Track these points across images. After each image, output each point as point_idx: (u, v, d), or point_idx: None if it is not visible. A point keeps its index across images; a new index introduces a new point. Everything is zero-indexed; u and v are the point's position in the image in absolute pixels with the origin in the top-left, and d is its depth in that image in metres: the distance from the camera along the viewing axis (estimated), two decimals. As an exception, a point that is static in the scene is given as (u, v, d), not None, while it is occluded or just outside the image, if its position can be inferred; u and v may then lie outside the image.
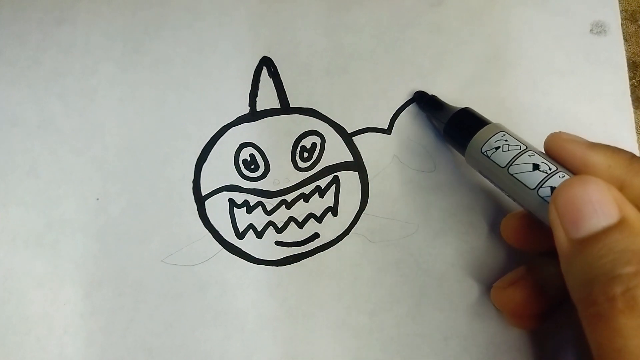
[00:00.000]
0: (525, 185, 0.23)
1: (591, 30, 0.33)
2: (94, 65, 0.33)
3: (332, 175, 0.32)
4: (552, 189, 0.22)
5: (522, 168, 0.24)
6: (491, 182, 0.26)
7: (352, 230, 0.31)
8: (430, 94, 0.31)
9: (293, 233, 0.31)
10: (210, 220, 0.32)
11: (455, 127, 0.29)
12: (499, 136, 0.26)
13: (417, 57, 0.33)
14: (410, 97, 0.32)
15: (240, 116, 0.32)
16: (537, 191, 0.23)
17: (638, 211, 0.20)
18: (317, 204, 0.32)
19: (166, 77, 0.33)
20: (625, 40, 0.33)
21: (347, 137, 0.32)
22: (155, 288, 0.31)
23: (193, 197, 0.32)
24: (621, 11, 0.33)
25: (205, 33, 0.33)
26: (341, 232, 0.31)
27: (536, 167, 0.23)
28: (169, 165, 0.32)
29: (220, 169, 0.32)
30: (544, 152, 0.25)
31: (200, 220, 0.32)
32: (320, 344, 0.30)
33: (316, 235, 0.31)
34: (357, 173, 0.32)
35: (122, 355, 0.30)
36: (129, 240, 0.31)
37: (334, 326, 0.30)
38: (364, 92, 0.32)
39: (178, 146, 0.32)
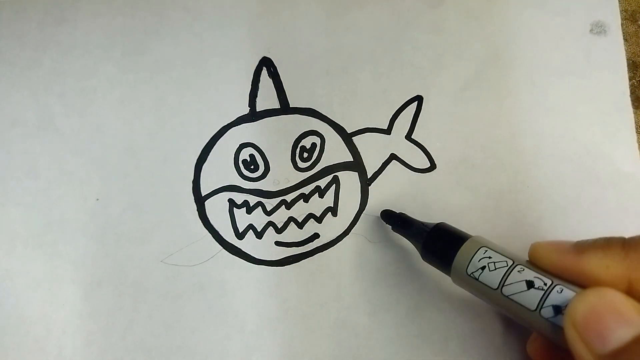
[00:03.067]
0: (524, 307, 0.22)
1: (591, 31, 0.33)
2: (94, 65, 0.33)
3: (332, 175, 0.32)
4: (555, 307, 0.21)
5: (516, 288, 0.22)
6: (485, 302, 0.24)
7: (352, 230, 0.31)
8: (397, 212, 0.30)
9: (293, 233, 0.31)
10: (210, 221, 0.31)
11: (433, 250, 0.26)
12: (481, 253, 0.24)
13: (417, 57, 0.33)
14: (410, 98, 0.32)
15: (240, 116, 0.32)
16: (539, 312, 0.21)
17: None
18: (316, 204, 0.32)
19: (166, 77, 0.33)
20: (625, 40, 0.33)
21: (347, 137, 0.32)
22: (155, 288, 0.31)
23: (193, 197, 0.32)
24: (621, 11, 0.33)
25: (205, 33, 0.33)
26: (341, 232, 0.31)
27: (530, 284, 0.22)
28: (169, 165, 0.32)
29: (220, 169, 0.32)
30: (528, 261, 0.24)
31: (200, 221, 0.31)
32: (320, 344, 0.30)
33: (316, 236, 0.31)
34: (356, 173, 0.32)
35: (122, 356, 0.30)
36: (128, 241, 0.31)
37: (334, 326, 0.30)
38: (364, 92, 0.32)
39: (178, 146, 0.32)
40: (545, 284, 0.22)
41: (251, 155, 0.32)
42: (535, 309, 0.21)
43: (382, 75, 0.33)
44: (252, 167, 0.32)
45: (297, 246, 0.31)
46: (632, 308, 0.19)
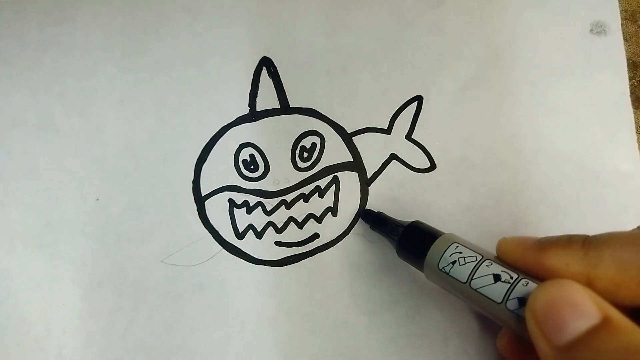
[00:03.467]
0: (491, 299, 0.22)
1: (591, 30, 0.33)
2: (94, 65, 0.33)
3: (332, 175, 0.32)
4: (519, 299, 0.21)
5: (484, 281, 0.23)
6: (456, 296, 0.25)
7: (352, 230, 0.31)
8: (377, 211, 0.31)
9: (293, 233, 0.31)
10: (210, 221, 0.31)
11: (407, 246, 0.27)
12: (452, 249, 0.25)
13: (417, 57, 0.33)
14: (410, 98, 0.32)
15: (240, 116, 0.32)
16: (505, 304, 0.22)
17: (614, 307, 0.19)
18: (316, 204, 0.32)
19: (166, 77, 0.33)
20: (625, 40, 0.33)
21: (347, 137, 0.32)
22: (155, 288, 0.31)
23: (193, 197, 0.32)
24: (621, 11, 0.33)
25: (205, 33, 0.33)
26: (341, 232, 0.31)
27: (497, 278, 0.23)
28: (169, 165, 0.32)
29: (220, 169, 0.32)
30: (497, 257, 0.24)
31: (200, 221, 0.31)
32: (320, 344, 0.30)
33: (316, 236, 0.31)
34: (356, 173, 0.32)
35: (122, 356, 0.30)
36: (128, 240, 0.31)
37: (334, 326, 0.30)
38: (364, 92, 0.32)
39: (178, 146, 0.32)
40: (512, 278, 0.22)
41: (251, 155, 0.32)
42: (501, 302, 0.22)
43: (382, 75, 0.33)
44: (252, 167, 0.32)
45: (297, 246, 0.31)
46: (589, 299, 0.19)
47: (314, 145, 0.32)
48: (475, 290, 0.23)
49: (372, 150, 0.32)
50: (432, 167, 0.32)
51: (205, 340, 0.30)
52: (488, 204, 0.31)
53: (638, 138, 0.32)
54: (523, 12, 0.33)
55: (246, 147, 0.32)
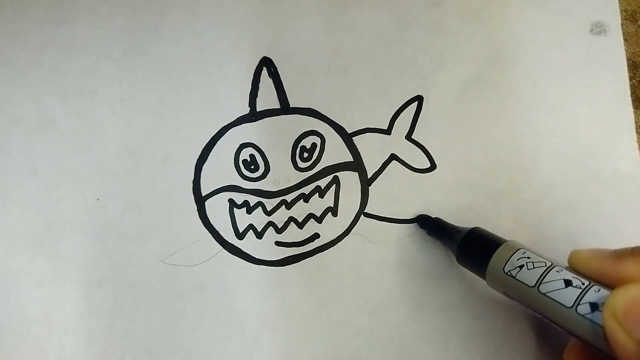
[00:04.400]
0: (560, 303, 0.22)
1: (591, 30, 0.33)
2: (94, 65, 0.33)
3: (332, 175, 0.32)
4: (592, 304, 0.21)
5: (554, 285, 0.23)
6: (519, 302, 0.25)
7: (352, 230, 0.31)
8: (433, 217, 0.31)
9: (293, 233, 0.31)
10: (210, 221, 0.31)
11: (468, 251, 0.27)
12: (519, 254, 0.25)
13: (417, 57, 0.33)
14: (410, 98, 0.32)
15: (240, 116, 0.32)
16: (576, 309, 0.22)
17: None
18: (317, 204, 0.32)
19: (166, 77, 0.33)
20: (625, 40, 0.33)
21: (347, 137, 0.32)
22: (155, 288, 0.31)
23: (193, 198, 0.32)
24: (621, 11, 0.33)
25: (205, 33, 0.33)
26: (341, 233, 0.31)
27: (568, 283, 0.22)
28: (169, 165, 0.32)
29: (220, 169, 0.32)
30: (568, 266, 0.24)
31: (200, 221, 0.31)
32: (320, 344, 0.30)
33: (316, 236, 0.31)
34: (357, 173, 0.32)
35: (122, 355, 0.30)
36: (129, 240, 0.31)
37: (334, 326, 0.30)
38: (364, 92, 0.32)
39: (178, 146, 0.32)
40: (583, 284, 0.22)
41: (251, 155, 0.32)
42: (572, 306, 0.22)
43: (382, 75, 0.33)
44: (252, 167, 0.32)
45: (297, 246, 0.31)
46: None
47: (314, 145, 0.32)
48: (543, 294, 0.23)
49: (372, 150, 0.32)
50: (432, 167, 0.32)
51: (205, 340, 0.30)
52: (488, 204, 0.31)
53: (638, 138, 0.32)
54: (524, 12, 0.33)
55: (246, 147, 0.32)
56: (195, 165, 0.32)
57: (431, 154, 0.32)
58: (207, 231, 0.31)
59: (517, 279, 0.24)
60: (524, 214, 0.31)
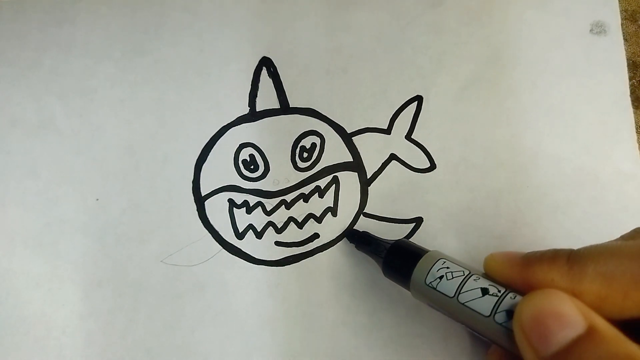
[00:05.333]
0: (479, 312, 0.22)
1: (591, 30, 0.33)
2: (94, 65, 0.33)
3: (332, 175, 0.32)
4: (508, 312, 0.21)
5: (471, 295, 0.23)
6: (443, 313, 0.25)
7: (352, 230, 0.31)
8: (361, 231, 0.30)
9: (293, 233, 0.31)
10: (210, 221, 0.31)
11: (392, 265, 0.27)
12: (439, 264, 0.25)
13: (417, 57, 0.33)
14: (410, 97, 0.32)
15: (240, 116, 0.32)
16: (494, 317, 0.22)
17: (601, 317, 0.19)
18: (316, 204, 0.32)
19: (166, 77, 0.33)
20: (625, 40, 0.33)
21: (347, 137, 0.32)
22: (155, 288, 0.31)
23: (193, 198, 0.32)
24: (621, 11, 0.33)
25: (205, 33, 0.33)
26: (341, 232, 0.31)
27: (485, 291, 0.22)
28: (169, 165, 0.32)
29: (220, 169, 0.32)
30: (484, 273, 0.24)
31: (200, 221, 0.31)
32: (320, 344, 0.30)
33: (316, 236, 0.31)
34: (356, 173, 0.32)
35: (122, 356, 0.30)
36: (128, 240, 0.31)
37: (333, 326, 0.30)
38: (363, 92, 0.32)
39: (178, 146, 0.32)
40: (499, 291, 0.22)
41: (251, 155, 0.32)
42: (490, 315, 0.22)
43: (382, 75, 0.33)
44: (252, 167, 0.32)
45: (297, 246, 0.31)
46: (575, 309, 0.19)
47: (314, 145, 0.32)
48: (462, 304, 0.23)
49: (372, 150, 0.32)
50: (432, 167, 0.32)
51: (205, 340, 0.30)
52: (488, 204, 0.31)
53: (638, 138, 0.32)
54: (523, 12, 0.33)
55: (246, 147, 0.32)
56: (195, 165, 0.32)
57: (431, 154, 0.32)
58: (206, 231, 0.31)
59: (437, 290, 0.24)
60: (524, 214, 0.31)
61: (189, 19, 0.33)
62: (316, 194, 0.32)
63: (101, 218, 0.31)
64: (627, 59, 0.32)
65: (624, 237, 0.23)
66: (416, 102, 0.32)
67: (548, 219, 0.31)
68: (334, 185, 0.32)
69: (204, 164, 0.32)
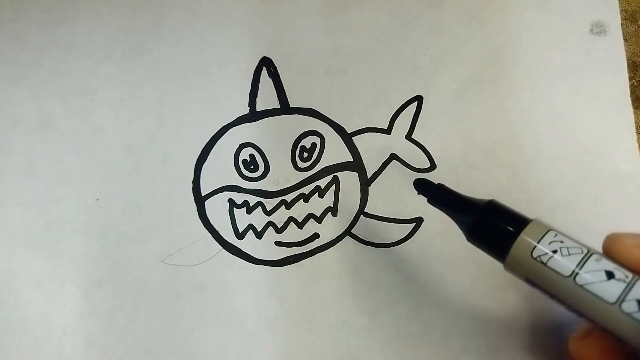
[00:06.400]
0: (602, 299, 0.19)
1: (591, 31, 0.33)
2: (94, 65, 0.33)
3: (332, 175, 0.32)
4: (639, 302, 0.19)
5: (593, 277, 0.20)
6: (546, 293, 0.21)
7: (352, 230, 0.31)
8: (436, 183, 0.26)
9: (293, 233, 0.31)
10: (210, 221, 0.31)
11: (486, 227, 0.23)
12: (550, 236, 0.21)
13: (417, 57, 0.33)
14: (410, 98, 0.32)
15: (240, 116, 0.32)
16: (620, 305, 0.19)
17: None
18: (316, 204, 0.32)
19: (166, 77, 0.33)
20: (625, 40, 0.33)
21: (347, 137, 0.32)
22: (155, 288, 0.31)
23: (193, 198, 0.32)
24: (621, 11, 0.33)
25: (205, 33, 0.33)
26: (341, 232, 0.31)
27: (610, 275, 0.20)
28: (169, 165, 0.32)
29: (220, 170, 0.32)
30: (604, 255, 0.21)
31: (200, 221, 0.31)
32: (320, 344, 0.30)
33: (316, 236, 0.31)
34: (356, 173, 0.32)
35: (122, 356, 0.30)
36: (128, 241, 0.31)
37: (334, 326, 0.30)
38: (364, 92, 0.32)
39: (178, 146, 0.32)
40: (627, 277, 0.19)
41: (251, 155, 0.32)
42: (616, 302, 0.19)
43: (382, 75, 0.33)
44: (252, 167, 0.32)
45: (297, 246, 0.31)
46: None
47: (314, 145, 0.32)
48: (581, 286, 0.20)
49: (372, 150, 0.32)
50: (432, 167, 0.32)
51: (205, 340, 0.30)
52: (488, 204, 0.31)
53: (638, 138, 0.32)
54: (523, 12, 0.33)
55: (246, 147, 0.32)
56: (195, 165, 0.32)
57: (431, 153, 0.32)
58: (207, 231, 0.31)
59: (548, 267, 0.20)
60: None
61: (189, 19, 0.33)
62: (316, 194, 0.32)
63: (101, 218, 0.31)
64: (627, 59, 0.32)
65: None
66: (416, 102, 0.32)
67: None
68: (334, 185, 0.32)
69: (204, 164, 0.32)
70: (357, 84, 0.32)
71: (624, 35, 0.33)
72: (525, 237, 0.21)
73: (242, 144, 0.32)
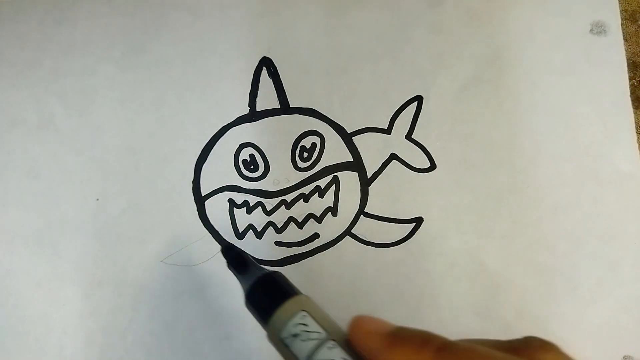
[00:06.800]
0: None
1: (591, 31, 0.33)
2: (94, 65, 0.33)
3: (332, 175, 0.32)
4: None
5: None
6: None
7: (352, 230, 0.31)
8: (237, 249, 0.26)
9: (293, 233, 0.31)
10: (210, 221, 0.31)
11: (255, 298, 0.23)
12: (298, 318, 0.21)
13: (417, 57, 0.33)
14: (410, 98, 0.32)
15: (240, 116, 0.32)
16: None
17: None
18: (316, 204, 0.32)
19: (166, 77, 0.33)
20: (625, 40, 0.33)
21: (347, 137, 0.32)
22: (155, 288, 0.31)
23: (193, 198, 0.32)
24: (621, 11, 0.33)
25: (205, 33, 0.33)
26: (341, 232, 0.31)
27: None
28: (169, 165, 0.32)
29: (220, 169, 0.32)
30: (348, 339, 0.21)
31: (200, 221, 0.31)
32: (320, 344, 0.30)
33: (316, 236, 0.31)
34: (356, 173, 0.32)
35: (122, 356, 0.30)
36: (129, 240, 0.31)
37: (333, 326, 0.30)
38: (364, 92, 0.32)
39: (178, 146, 0.32)
40: None
41: (251, 155, 0.32)
42: None
43: (382, 75, 0.33)
44: (252, 167, 0.32)
45: (297, 246, 0.31)
46: None
47: (314, 145, 0.32)
48: None
49: (372, 150, 0.32)
50: (432, 167, 0.32)
51: (205, 340, 0.30)
52: (488, 204, 0.31)
53: (638, 138, 0.32)
54: (523, 12, 0.33)
55: (246, 147, 0.32)
56: (195, 165, 0.32)
57: (431, 153, 0.32)
58: (207, 231, 0.31)
59: (290, 350, 0.21)
60: (524, 214, 0.31)
61: (189, 19, 0.33)
62: (316, 194, 0.32)
63: (101, 218, 0.31)
64: (627, 59, 0.32)
65: (511, 342, 0.20)
66: (416, 102, 0.32)
67: (548, 219, 0.31)
68: (334, 185, 0.32)
69: (204, 164, 0.32)
70: (357, 84, 0.32)
71: (624, 35, 0.33)
72: (278, 316, 0.22)
73: (242, 144, 0.32)
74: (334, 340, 0.21)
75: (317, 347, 0.20)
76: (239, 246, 0.31)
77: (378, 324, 0.21)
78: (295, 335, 0.21)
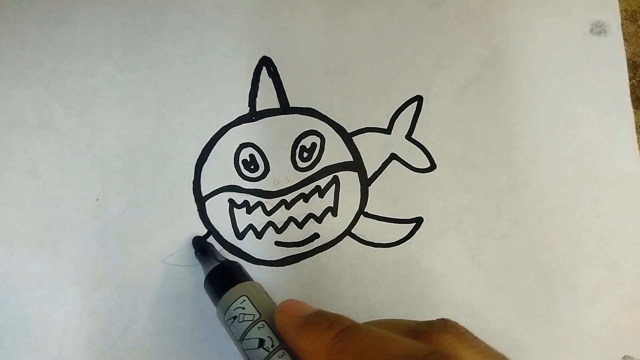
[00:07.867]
0: None
1: (591, 31, 0.33)
2: (94, 65, 0.33)
3: (332, 175, 0.32)
4: None
5: (251, 344, 0.22)
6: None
7: (352, 230, 0.31)
8: (205, 241, 0.30)
9: (293, 233, 0.31)
10: (211, 221, 0.31)
11: (209, 285, 0.27)
12: (238, 302, 0.24)
13: (417, 57, 0.33)
14: (410, 97, 0.32)
15: (240, 116, 0.32)
16: None
17: None
18: (316, 204, 0.32)
19: (166, 77, 0.33)
20: (625, 40, 0.33)
21: (347, 137, 0.32)
22: (155, 288, 0.31)
23: (193, 198, 0.32)
24: (621, 11, 0.33)
25: (205, 33, 0.33)
26: (341, 233, 0.31)
27: (261, 343, 0.22)
28: (169, 165, 0.32)
29: (220, 169, 0.32)
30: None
31: (201, 221, 0.31)
32: (320, 344, 0.30)
33: (316, 236, 0.31)
34: (356, 173, 0.32)
35: (122, 356, 0.30)
36: (129, 240, 0.31)
37: (333, 326, 0.30)
38: (363, 92, 0.32)
39: (178, 146, 0.32)
40: (273, 346, 0.22)
41: (251, 155, 0.32)
42: None
43: (382, 75, 0.33)
44: (252, 167, 0.32)
45: (297, 246, 0.31)
46: None
47: (314, 145, 0.32)
48: (245, 350, 0.23)
49: (372, 150, 0.32)
50: (432, 167, 0.32)
51: (205, 340, 0.30)
52: (488, 204, 0.31)
53: (638, 138, 0.32)
54: (523, 12, 0.33)
55: (246, 147, 0.32)
56: (195, 165, 0.32)
57: (431, 153, 0.32)
58: (207, 231, 0.31)
59: (231, 330, 0.24)
60: (524, 214, 0.31)
61: (189, 19, 0.33)
62: (316, 194, 0.32)
63: (101, 218, 0.31)
64: (627, 59, 0.32)
65: (418, 324, 0.22)
66: (416, 102, 0.32)
67: (548, 219, 0.31)
68: (334, 185, 0.32)
69: (205, 164, 0.32)
70: (357, 84, 0.32)
71: (624, 35, 0.33)
72: (224, 301, 0.25)
73: (242, 144, 0.32)
74: (264, 321, 0.23)
75: (250, 327, 0.23)
76: (238, 246, 0.31)
77: (300, 307, 0.22)
78: (234, 318, 0.24)
